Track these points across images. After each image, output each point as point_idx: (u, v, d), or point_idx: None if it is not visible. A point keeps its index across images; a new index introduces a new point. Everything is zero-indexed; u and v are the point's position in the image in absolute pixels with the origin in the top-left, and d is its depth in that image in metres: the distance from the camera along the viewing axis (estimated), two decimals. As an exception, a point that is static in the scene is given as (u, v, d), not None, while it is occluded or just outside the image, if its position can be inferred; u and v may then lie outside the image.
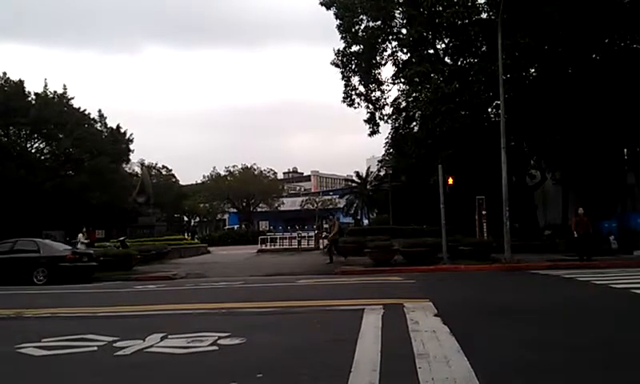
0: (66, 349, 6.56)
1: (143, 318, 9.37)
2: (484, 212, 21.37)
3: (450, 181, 20.57)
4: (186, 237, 45.50)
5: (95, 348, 6.55)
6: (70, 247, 20.74)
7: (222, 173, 67.69)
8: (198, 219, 74.42)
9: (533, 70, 25.11)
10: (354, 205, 67.98)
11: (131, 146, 46.33)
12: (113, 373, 5.60)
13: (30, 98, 39.75)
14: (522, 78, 24.43)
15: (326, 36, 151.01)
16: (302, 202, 78.72)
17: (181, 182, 66.51)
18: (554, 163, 27.23)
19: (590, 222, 18.75)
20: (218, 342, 6.62)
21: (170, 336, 7.01)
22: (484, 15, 23.74)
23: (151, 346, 6.51)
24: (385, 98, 28.35)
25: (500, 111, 19.84)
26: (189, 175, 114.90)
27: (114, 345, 6.63)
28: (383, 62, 27.50)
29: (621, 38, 23.34)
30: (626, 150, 25.91)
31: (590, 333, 6.99)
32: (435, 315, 8.12)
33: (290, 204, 78.28)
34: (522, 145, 26.44)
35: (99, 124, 44.19)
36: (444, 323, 7.38)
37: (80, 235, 25.10)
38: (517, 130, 23.98)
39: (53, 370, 5.88)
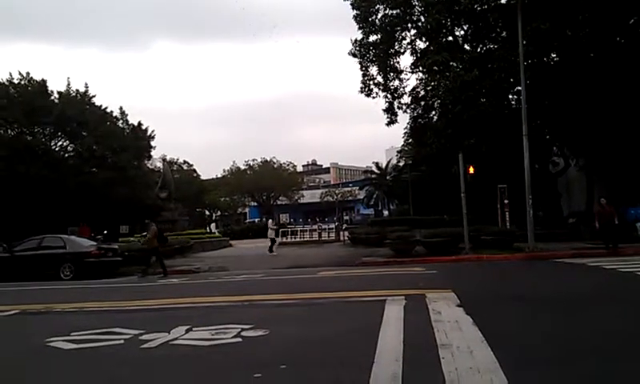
0: (93, 342, 6.71)
1: (168, 311, 9.52)
2: (506, 201, 21.08)
3: (471, 170, 20.33)
4: (208, 230, 46.05)
5: (122, 341, 6.69)
6: (95, 243, 21.11)
7: (242, 167, 68.15)
8: (219, 213, 75.08)
9: (554, 55, 24.59)
10: (374, 196, 67.82)
11: (152, 143, 46.86)
12: (139, 365, 5.72)
13: (52, 97, 40.42)
14: (543, 64, 23.97)
15: (341, 25, 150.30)
16: (322, 194, 78.70)
17: (202, 177, 67.11)
18: (577, 150, 26.70)
19: (614, 211, 18.04)
20: (242, 333, 6.69)
21: (194, 328, 7.11)
22: (503, 0, 23.31)
23: (176, 339, 6.61)
24: (403, 87, 28.09)
25: (521, 98, 19.52)
26: (209, 169, 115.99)
27: (140, 338, 6.75)
28: (402, 51, 27.22)
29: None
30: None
31: (615, 322, 6.87)
32: (458, 305, 8.07)
33: (309, 196, 78.27)
34: (544, 132, 25.97)
35: (121, 121, 44.75)
36: (467, 313, 7.34)
37: (270, 221, 28.78)
38: (539, 117, 23.56)
39: (81, 362, 6.02)
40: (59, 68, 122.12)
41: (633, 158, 23.69)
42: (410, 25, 26.19)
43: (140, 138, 45.01)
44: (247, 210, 77.49)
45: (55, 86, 45.48)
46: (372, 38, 26.58)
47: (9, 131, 38.57)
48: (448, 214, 29.62)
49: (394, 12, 25.41)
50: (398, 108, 28.21)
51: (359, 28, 26.43)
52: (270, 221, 29.34)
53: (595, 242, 18.71)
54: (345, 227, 35.17)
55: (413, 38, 26.73)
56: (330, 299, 9.74)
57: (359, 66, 27.55)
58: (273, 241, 25.82)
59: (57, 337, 6.97)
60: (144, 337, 6.77)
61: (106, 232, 32.97)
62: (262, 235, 44.93)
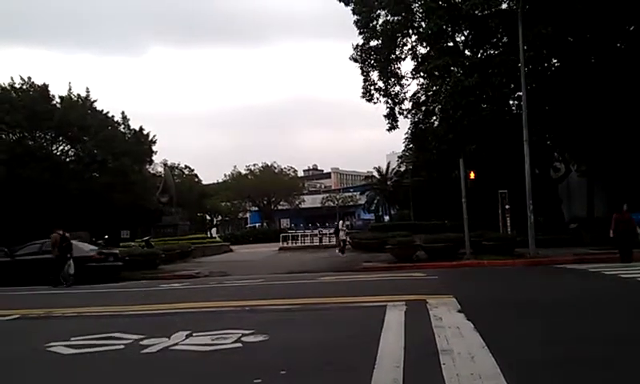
0: (93, 347, 6.69)
1: (168, 316, 9.49)
2: (507, 206, 21.07)
3: (472, 175, 20.32)
4: (209, 235, 46.13)
5: (122, 346, 6.67)
6: (95, 247, 21.11)
7: (243, 172, 68.22)
8: (220, 218, 75.14)
9: (555, 61, 24.63)
10: (375, 201, 67.82)
11: (154, 148, 46.98)
12: (140, 370, 5.70)
13: (54, 102, 40.56)
14: (544, 69, 24.00)
15: (343, 30, 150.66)
16: (323, 199, 78.77)
17: (203, 182, 67.17)
18: (578, 155, 26.69)
19: (632, 219, 16.35)
20: (242, 339, 6.67)
21: (194, 334, 7.09)
22: (504, 6, 23.34)
23: (176, 344, 6.59)
24: (404, 93, 28.13)
25: (522, 103, 19.53)
26: (210, 174, 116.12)
27: (141, 343, 6.73)
28: (403, 57, 27.27)
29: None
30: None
31: (618, 328, 6.85)
32: (459, 311, 8.05)
33: (310, 201, 78.33)
34: (545, 137, 25.96)
35: (122, 126, 44.88)
36: (468, 319, 7.31)
37: (341, 222, 28.81)
38: (540, 122, 23.54)
39: (81, 367, 6.00)
40: (61, 73, 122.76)
41: (634, 163, 23.69)
42: (410, 31, 26.24)
43: (141, 143, 45.15)
44: (248, 214, 77.56)
45: (57, 90, 45.81)
46: (373, 43, 26.64)
47: (10, 135, 38.71)
48: (449, 220, 29.59)
49: (396, 18, 25.46)
50: (399, 113, 28.25)
51: (360, 33, 26.50)
52: (341, 222, 29.68)
53: (596, 248, 18.65)
54: (346, 232, 35.10)
55: (414, 43, 26.79)
56: (331, 305, 9.73)
57: (360, 71, 27.64)
58: (343, 242, 25.91)
59: (57, 341, 6.94)
60: (144, 342, 6.75)
61: (107, 237, 32.99)
62: (263, 240, 45.23)
